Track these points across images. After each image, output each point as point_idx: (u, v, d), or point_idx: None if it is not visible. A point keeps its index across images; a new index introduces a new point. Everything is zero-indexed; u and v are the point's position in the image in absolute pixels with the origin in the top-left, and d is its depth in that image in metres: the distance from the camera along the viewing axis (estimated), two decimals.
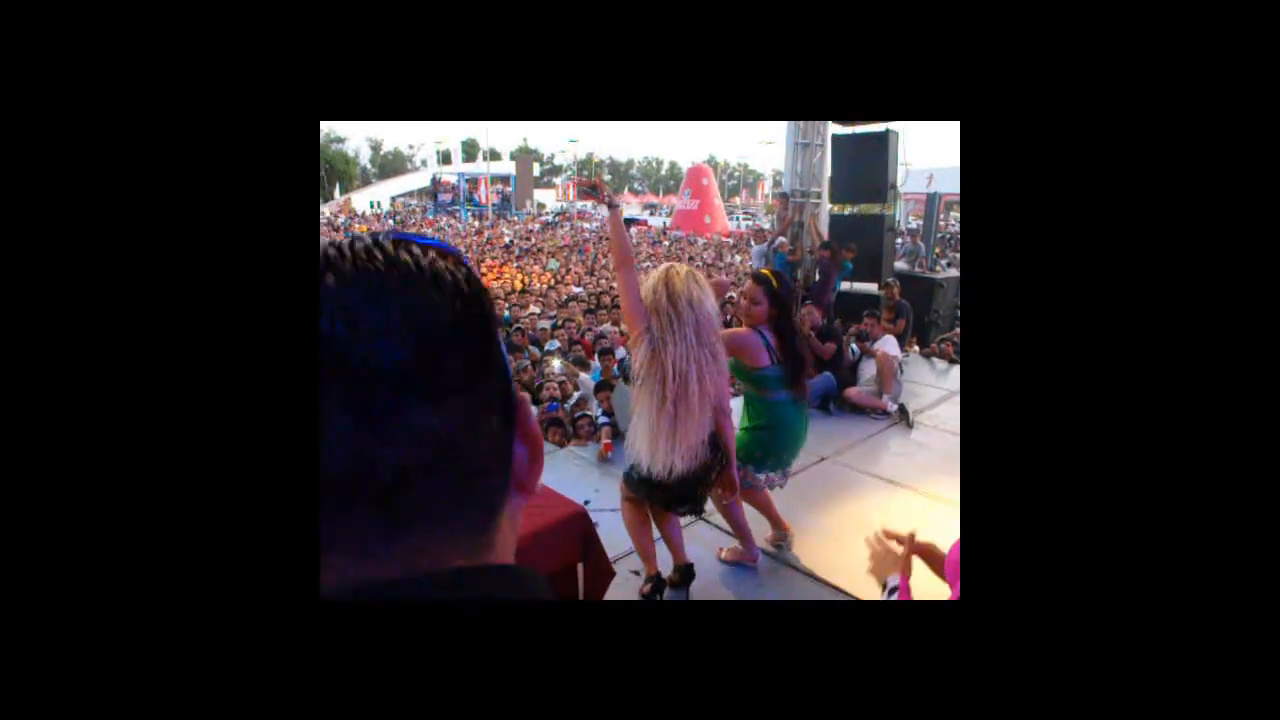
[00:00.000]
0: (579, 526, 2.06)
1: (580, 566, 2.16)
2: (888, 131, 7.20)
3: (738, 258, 16.55)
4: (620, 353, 6.20)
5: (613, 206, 2.28)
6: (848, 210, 7.88)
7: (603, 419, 4.35)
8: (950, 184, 25.09)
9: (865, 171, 7.41)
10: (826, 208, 7.55)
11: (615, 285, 10.72)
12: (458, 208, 29.86)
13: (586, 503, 3.56)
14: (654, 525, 2.65)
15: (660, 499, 2.47)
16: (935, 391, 5.77)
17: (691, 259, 16.48)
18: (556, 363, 5.58)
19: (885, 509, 3.54)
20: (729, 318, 5.36)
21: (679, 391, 2.13)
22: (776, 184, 10.93)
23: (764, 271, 2.76)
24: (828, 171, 7.46)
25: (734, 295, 7.00)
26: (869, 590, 2.85)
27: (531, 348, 6.74)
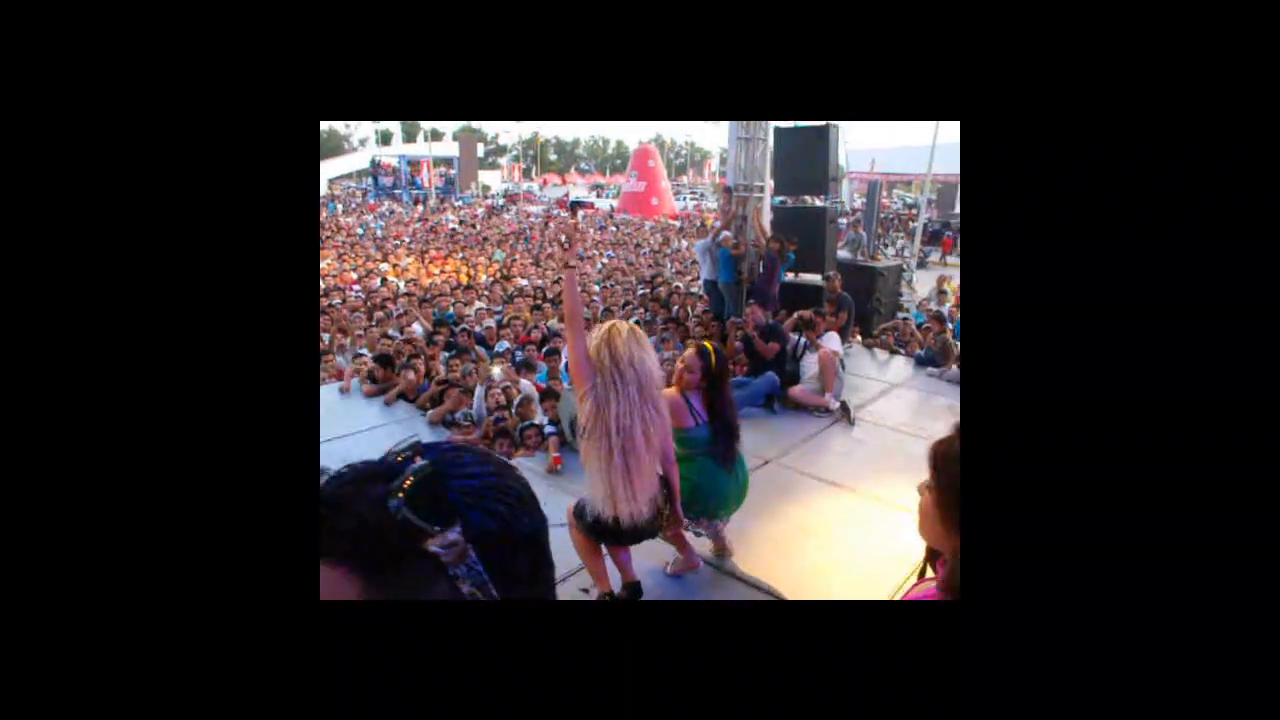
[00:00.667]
0: None
1: None
2: (828, 125, 7.29)
3: (684, 243, 16.59)
4: (566, 352, 6.17)
5: (569, 267, 2.37)
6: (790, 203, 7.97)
7: (549, 429, 4.34)
8: (892, 165, 25.50)
9: (807, 164, 7.50)
10: (769, 201, 7.62)
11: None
12: (400, 191, 29.09)
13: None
14: (603, 548, 2.70)
15: (620, 541, 2.59)
16: (876, 385, 5.93)
17: (638, 245, 16.46)
18: (496, 370, 5.52)
19: (827, 513, 3.64)
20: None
21: (625, 445, 2.26)
22: (723, 160, 10.93)
23: (705, 344, 2.88)
24: (770, 165, 7.52)
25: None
26: (810, 598, 2.95)
27: (478, 348, 6.66)
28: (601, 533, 2.49)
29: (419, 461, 0.50)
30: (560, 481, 3.93)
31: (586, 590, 2.85)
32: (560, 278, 8.88)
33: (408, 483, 0.48)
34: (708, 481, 2.88)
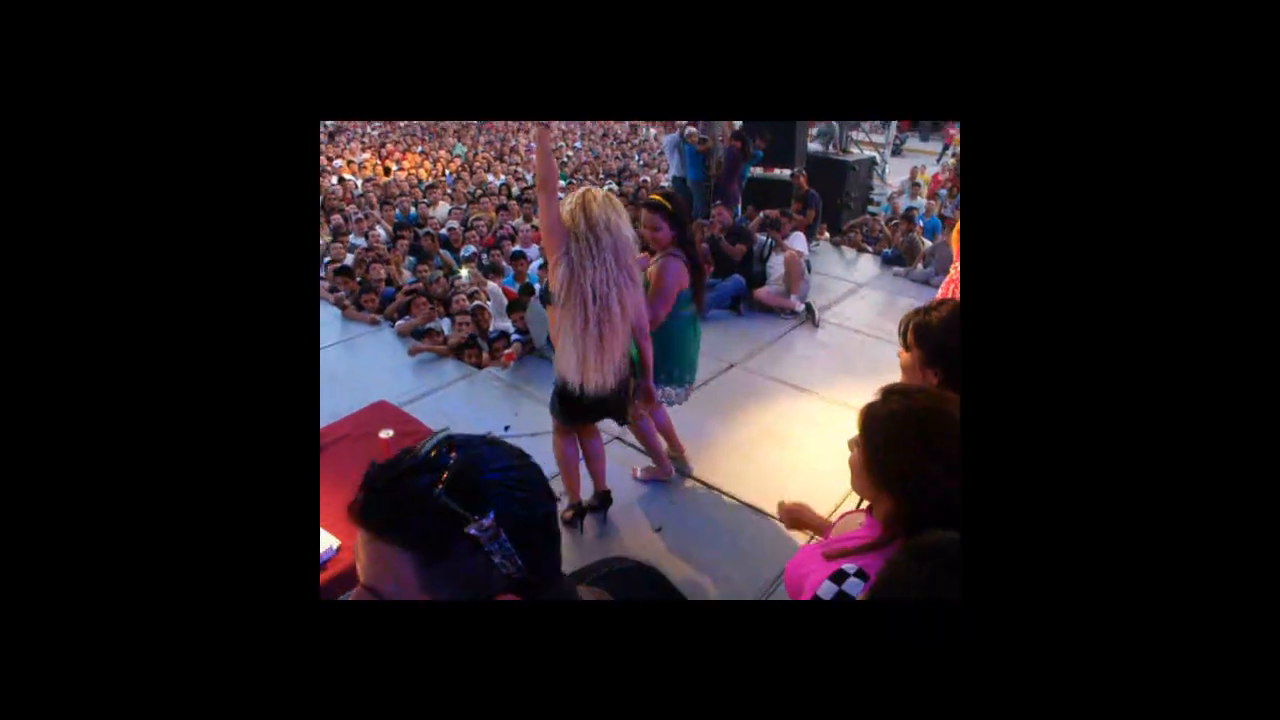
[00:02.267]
0: None
1: None
2: None
3: (651, 131, 16.03)
4: (532, 253, 6.09)
5: (543, 125, 2.24)
6: None
7: (516, 337, 4.37)
8: None
9: None
10: None
11: (529, 172, 10.25)
12: None
13: (506, 428, 3.67)
14: (580, 455, 2.78)
15: (588, 416, 2.59)
16: (842, 285, 6.00)
17: (605, 134, 15.88)
18: (465, 272, 5.45)
19: (789, 417, 3.79)
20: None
21: (601, 314, 2.22)
22: None
23: (655, 197, 2.76)
24: None
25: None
26: (773, 501, 3.11)
27: (443, 252, 6.54)
28: (567, 406, 2.48)
29: (454, 456, 0.59)
30: (531, 390, 3.99)
31: (558, 499, 2.98)
32: (524, 170, 8.50)
33: (446, 476, 0.58)
34: (683, 342, 2.89)
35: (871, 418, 1.10)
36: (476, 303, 4.80)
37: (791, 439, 3.55)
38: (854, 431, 1.18)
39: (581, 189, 2.27)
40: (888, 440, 1.08)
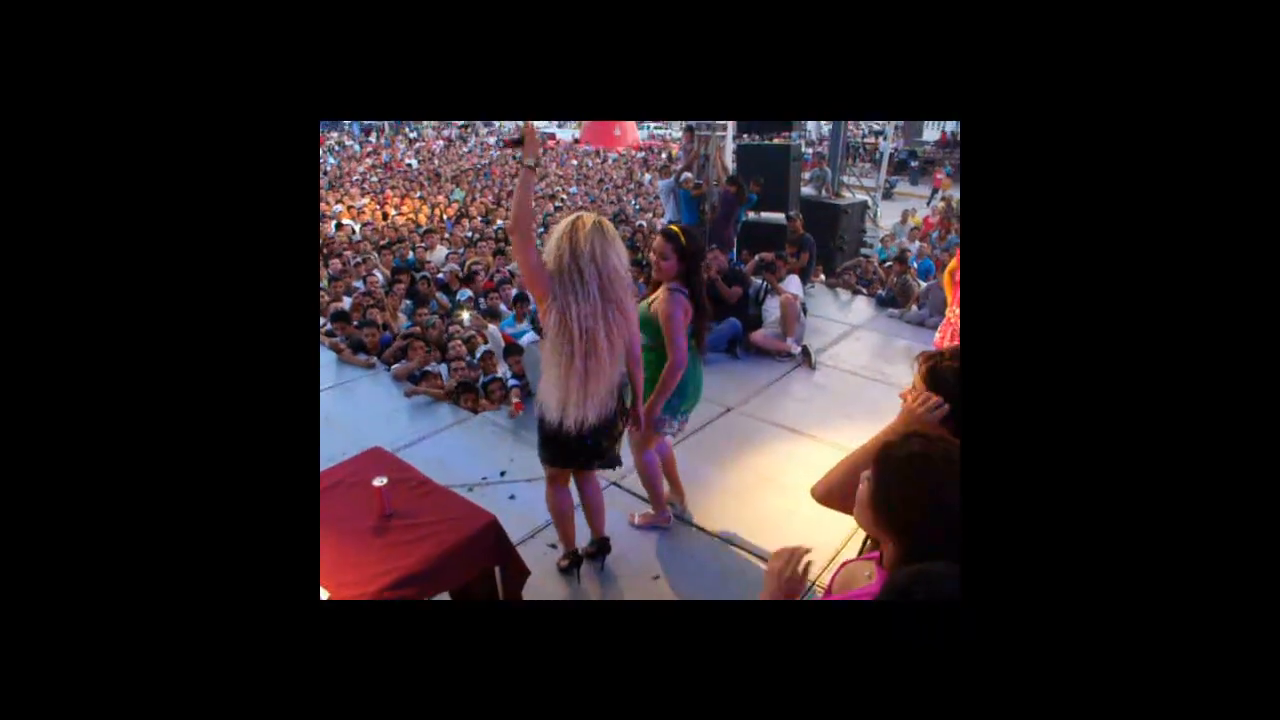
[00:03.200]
0: (490, 537, 2.12)
1: (497, 570, 2.24)
2: None
3: (648, 176, 16.30)
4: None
5: (532, 167, 2.17)
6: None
7: (513, 382, 4.36)
8: None
9: None
10: (731, 140, 7.50)
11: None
12: (350, 124, 27.84)
13: (502, 473, 3.63)
14: (575, 504, 2.72)
15: (573, 460, 2.51)
16: (838, 327, 6.03)
17: (601, 180, 16.12)
18: (466, 315, 5.47)
19: (786, 461, 3.76)
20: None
21: (587, 349, 2.15)
22: None
23: (672, 227, 2.76)
24: None
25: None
26: (769, 546, 3.08)
27: (440, 295, 6.57)
28: (548, 444, 2.42)
29: None
30: (527, 435, 3.97)
31: (554, 545, 2.93)
32: None
33: None
34: (686, 377, 2.83)
35: (888, 458, 1.08)
36: (484, 347, 4.80)
37: (790, 483, 3.51)
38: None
39: (572, 216, 2.20)
40: (901, 483, 1.06)
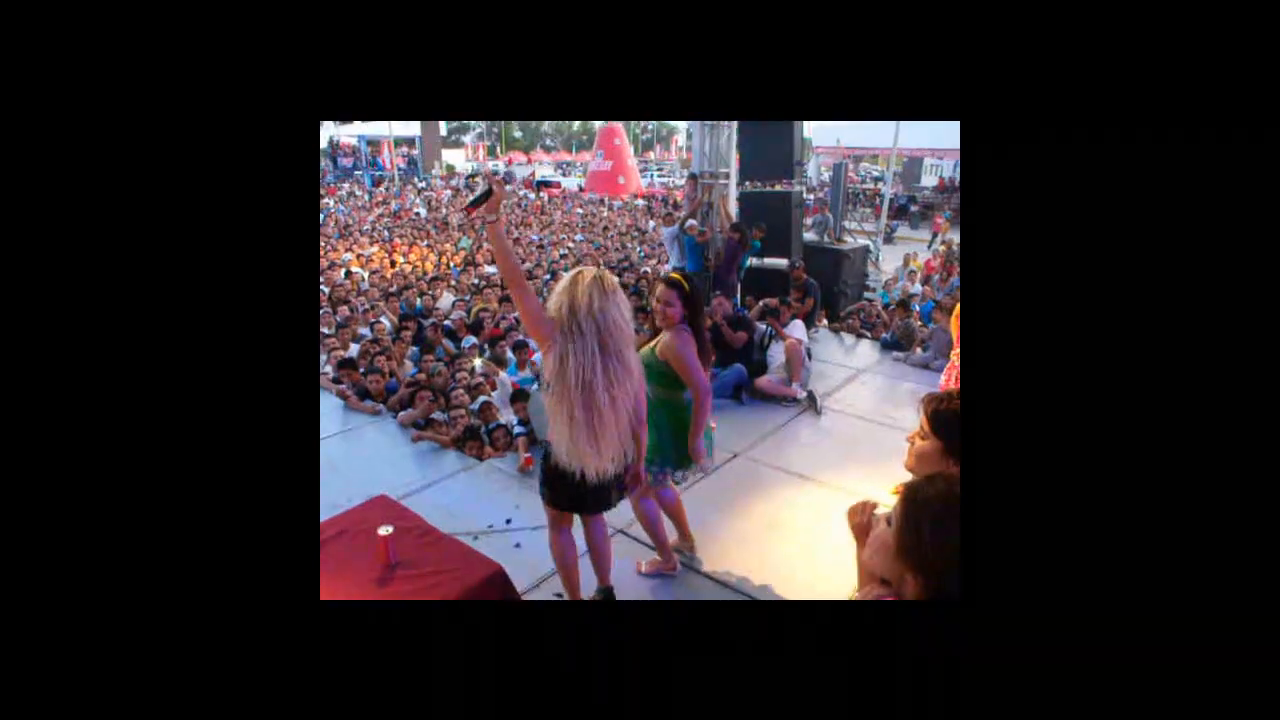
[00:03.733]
0: (496, 587, 2.10)
1: None
2: None
3: (652, 224, 16.53)
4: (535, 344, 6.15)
5: (490, 222, 2.18)
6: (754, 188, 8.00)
7: (518, 429, 4.36)
8: (858, 139, 25.58)
9: (772, 149, 7.54)
10: (734, 188, 7.63)
11: (530, 263, 10.45)
12: (360, 173, 28.46)
13: (508, 521, 3.61)
14: (581, 551, 2.69)
15: (577, 500, 2.48)
16: (843, 371, 6.03)
17: (606, 228, 16.36)
18: (478, 362, 5.49)
19: (794, 506, 3.73)
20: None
21: (586, 400, 2.17)
22: (690, 137, 10.81)
23: (674, 275, 2.81)
24: (735, 152, 7.53)
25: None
26: (777, 592, 3.03)
27: (446, 342, 6.61)
28: (555, 487, 2.41)
29: None
30: (532, 482, 3.95)
31: (560, 595, 2.89)
32: (528, 262, 8.63)
33: None
34: (684, 422, 2.82)
35: (916, 498, 1.07)
36: (483, 398, 4.81)
37: (798, 529, 3.48)
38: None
39: (574, 272, 2.23)
40: (932, 524, 1.05)
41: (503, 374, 5.52)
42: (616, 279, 2.28)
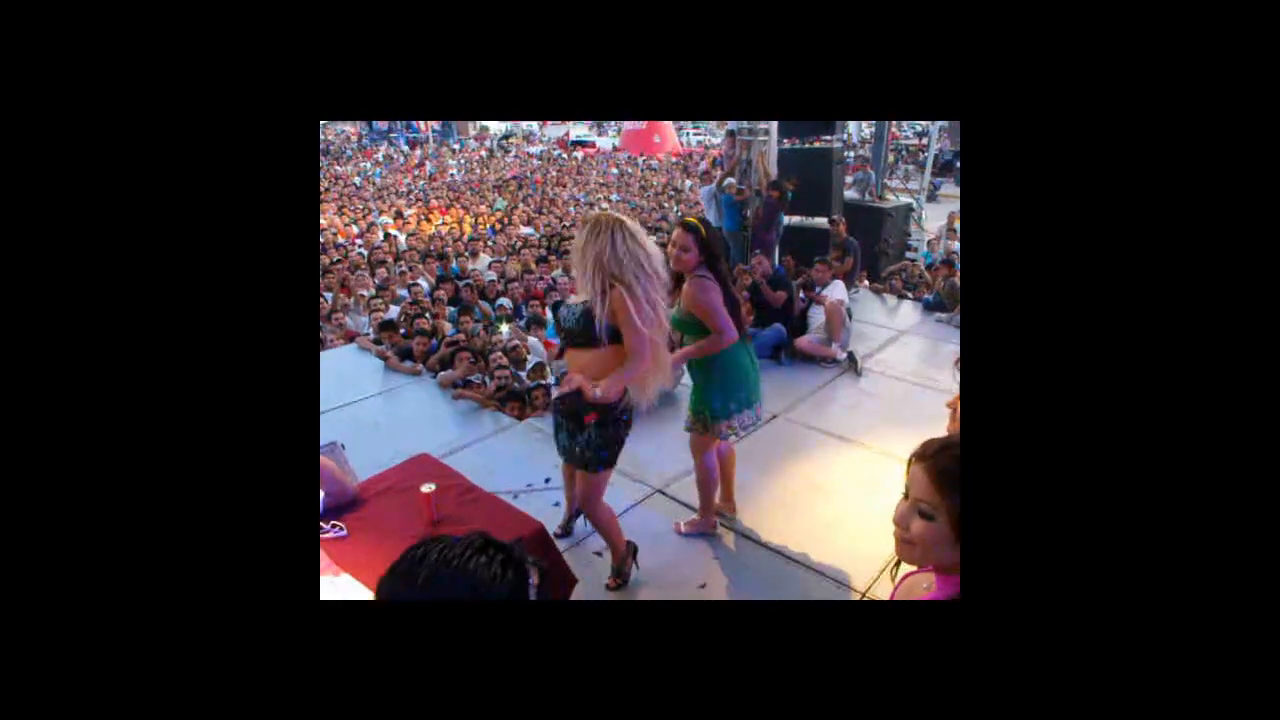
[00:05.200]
0: (538, 545, 2.12)
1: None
2: None
3: (689, 183, 16.29)
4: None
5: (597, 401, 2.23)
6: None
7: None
8: None
9: None
10: (775, 145, 7.44)
11: (568, 222, 10.42)
12: (395, 135, 28.54)
13: (547, 480, 3.64)
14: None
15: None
16: (884, 332, 5.91)
17: (644, 187, 16.18)
18: (505, 328, 5.51)
19: (833, 468, 3.69)
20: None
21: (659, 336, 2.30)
22: None
23: (691, 219, 2.72)
24: None
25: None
26: (816, 555, 3.02)
27: (482, 303, 6.65)
28: (618, 445, 2.42)
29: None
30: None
31: (600, 553, 2.92)
32: (565, 224, 8.61)
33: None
34: (737, 366, 2.78)
35: (956, 475, 1.01)
36: (535, 359, 4.83)
37: (837, 491, 3.45)
38: (901, 483, 1.06)
39: (591, 223, 2.25)
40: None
41: (533, 338, 5.53)
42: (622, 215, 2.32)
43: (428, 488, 2.13)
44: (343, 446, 2.51)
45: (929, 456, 1.02)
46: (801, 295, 5.57)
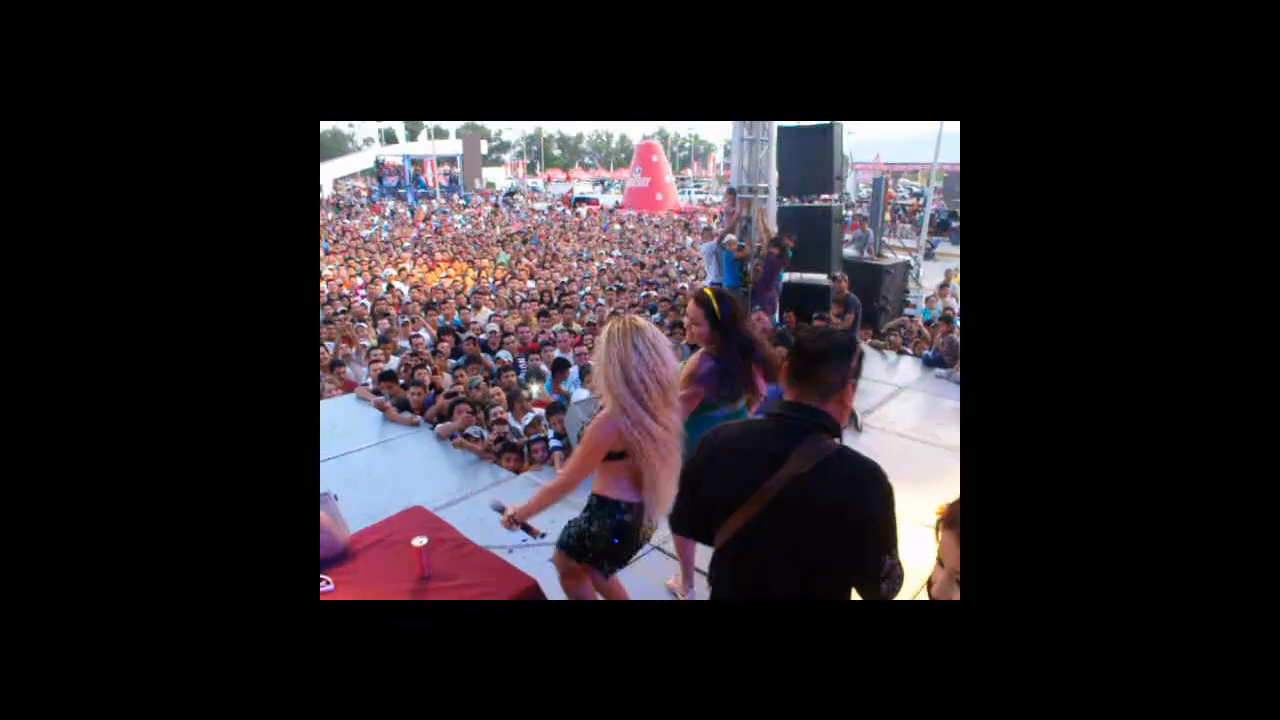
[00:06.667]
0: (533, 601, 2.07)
1: None
2: (831, 123, 7.24)
3: (690, 240, 16.53)
4: (571, 359, 6.17)
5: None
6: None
7: (555, 442, 4.34)
8: (897, 155, 25.33)
9: (811, 164, 7.46)
10: (774, 203, 7.58)
11: (566, 277, 10.50)
12: (404, 191, 29.15)
13: (543, 535, 3.58)
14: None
15: (622, 558, 2.42)
16: (884, 388, 5.90)
17: (647, 243, 16.42)
18: (535, 388, 5.51)
19: None
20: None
21: (668, 457, 2.08)
22: (727, 154, 10.86)
23: (705, 291, 2.74)
24: (774, 166, 7.49)
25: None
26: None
27: (484, 356, 6.65)
28: (630, 550, 2.34)
29: None
30: (569, 498, 3.92)
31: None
32: (565, 280, 8.63)
33: None
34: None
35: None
36: (533, 414, 4.83)
37: None
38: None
39: (615, 331, 2.07)
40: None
41: (535, 388, 5.52)
42: (642, 319, 2.15)
43: (419, 541, 2.09)
44: (336, 498, 2.47)
45: (959, 523, 0.98)
46: None
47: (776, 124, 7.33)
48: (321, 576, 2.05)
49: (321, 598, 1.97)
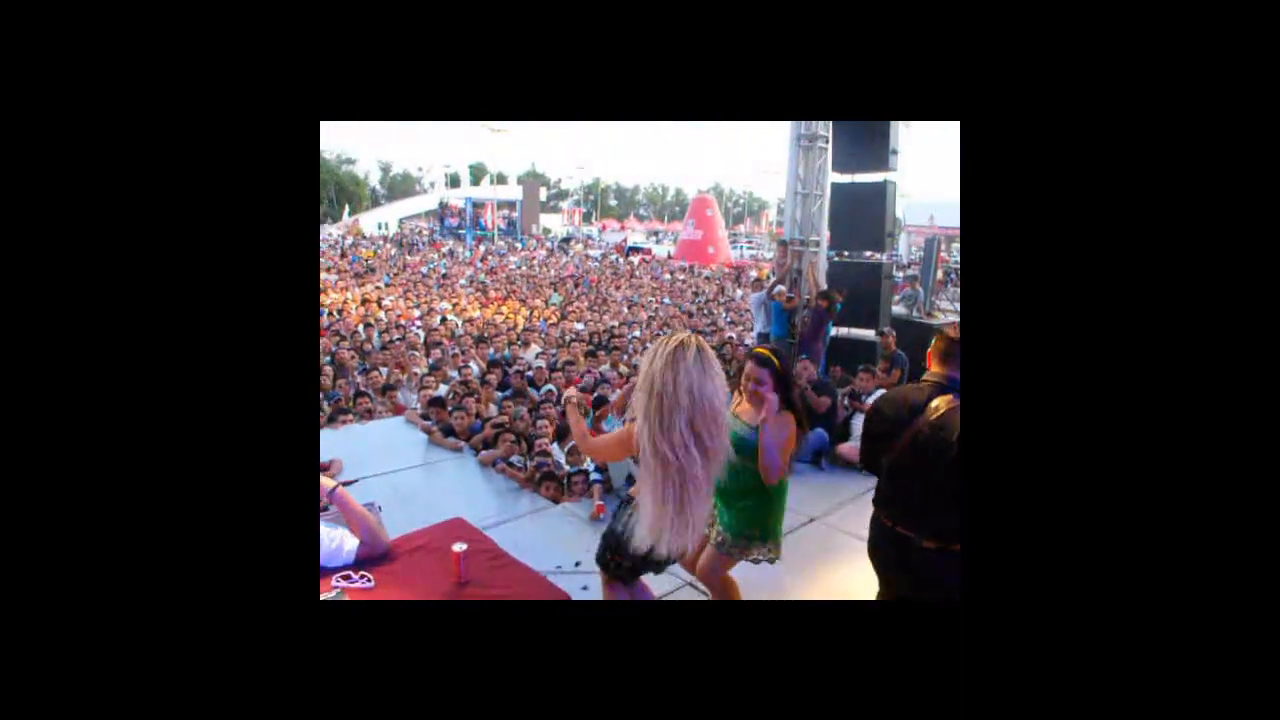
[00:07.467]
0: None
1: None
2: (885, 181, 7.31)
3: (739, 292, 16.65)
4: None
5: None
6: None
7: (595, 475, 4.39)
8: (951, 219, 25.20)
9: (863, 220, 7.52)
10: (825, 256, 7.63)
11: (617, 324, 10.66)
12: (464, 232, 30.14)
13: (577, 564, 3.60)
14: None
15: (637, 573, 2.47)
16: None
17: (696, 293, 16.58)
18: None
19: (868, 574, 3.55)
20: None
21: (679, 477, 1.95)
22: (780, 211, 10.94)
23: (762, 351, 2.61)
24: (826, 220, 7.56)
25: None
26: None
27: (530, 390, 6.79)
28: (634, 564, 2.35)
29: None
30: (603, 529, 3.94)
31: None
32: (615, 323, 8.74)
33: None
34: (782, 500, 2.70)
35: None
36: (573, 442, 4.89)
37: (870, 596, 3.31)
38: None
39: (676, 339, 1.98)
40: None
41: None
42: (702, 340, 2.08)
43: (459, 547, 2.16)
44: (379, 508, 2.56)
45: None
46: (845, 403, 5.55)
47: (830, 179, 7.43)
48: (364, 573, 2.12)
49: (361, 594, 2.04)
